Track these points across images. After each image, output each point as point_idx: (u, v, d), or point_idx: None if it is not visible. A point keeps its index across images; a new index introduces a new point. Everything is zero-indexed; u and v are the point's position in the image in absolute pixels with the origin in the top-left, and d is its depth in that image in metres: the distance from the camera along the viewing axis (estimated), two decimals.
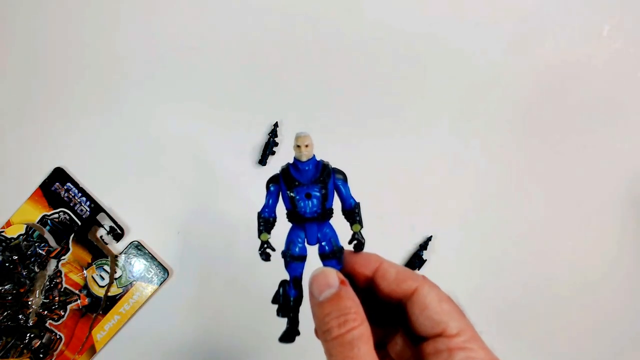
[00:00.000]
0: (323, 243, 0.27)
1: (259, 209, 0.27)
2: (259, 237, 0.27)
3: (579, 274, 0.50)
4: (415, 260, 0.48)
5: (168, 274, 0.47)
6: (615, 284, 0.50)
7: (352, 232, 0.27)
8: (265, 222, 0.27)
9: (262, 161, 0.48)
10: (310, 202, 0.26)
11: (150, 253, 0.47)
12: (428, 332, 0.24)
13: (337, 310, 0.23)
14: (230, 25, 0.49)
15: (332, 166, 0.28)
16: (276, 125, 0.48)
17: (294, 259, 0.27)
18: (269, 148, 0.48)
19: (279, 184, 0.27)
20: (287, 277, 0.27)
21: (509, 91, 0.50)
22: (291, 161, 0.27)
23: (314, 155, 0.27)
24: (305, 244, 0.27)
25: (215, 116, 0.48)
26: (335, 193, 0.28)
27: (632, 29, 0.51)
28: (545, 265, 0.50)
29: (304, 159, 0.26)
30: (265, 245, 0.27)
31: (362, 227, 0.28)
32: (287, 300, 0.27)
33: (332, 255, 0.27)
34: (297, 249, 0.27)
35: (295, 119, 0.49)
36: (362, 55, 0.49)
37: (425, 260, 0.48)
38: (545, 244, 0.50)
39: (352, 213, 0.28)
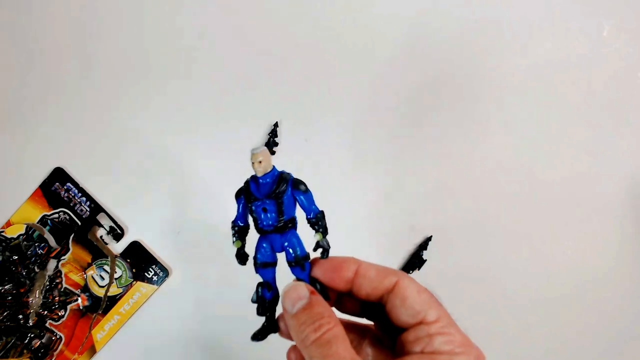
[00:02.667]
0: (289, 251, 0.28)
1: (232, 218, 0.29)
2: (233, 244, 0.29)
3: (579, 274, 0.50)
4: (415, 260, 0.48)
5: (168, 274, 0.47)
6: (615, 284, 0.50)
7: (316, 240, 0.29)
8: (239, 230, 0.30)
9: None
10: (266, 216, 0.28)
11: (150, 253, 0.47)
12: (409, 321, 0.25)
13: (311, 317, 0.25)
14: (230, 25, 0.49)
15: (293, 177, 0.29)
16: (276, 125, 0.48)
17: (259, 266, 0.29)
18: (269, 148, 0.48)
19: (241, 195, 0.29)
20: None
21: (509, 91, 0.50)
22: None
23: (274, 167, 0.28)
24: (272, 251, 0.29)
25: (215, 116, 0.48)
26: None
27: (632, 29, 0.51)
28: (545, 265, 0.50)
29: (260, 174, 0.28)
30: (241, 252, 0.29)
31: (324, 235, 0.29)
32: (263, 300, 0.29)
33: (296, 263, 0.28)
34: (260, 257, 0.29)
35: (295, 119, 0.49)
36: (363, 55, 0.49)
37: (426, 260, 0.48)
38: (545, 244, 0.50)
39: (313, 223, 0.29)
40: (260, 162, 0.28)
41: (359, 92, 0.50)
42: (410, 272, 0.48)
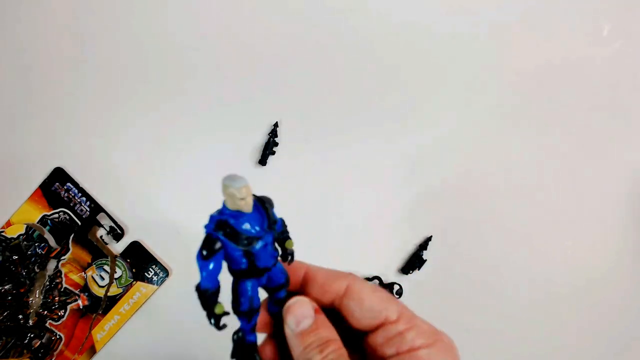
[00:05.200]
0: (280, 275, 0.25)
1: (196, 285, 0.22)
2: (212, 311, 0.22)
3: (579, 274, 0.50)
4: (415, 260, 0.48)
5: (168, 274, 0.47)
6: (615, 283, 0.50)
7: (284, 249, 0.25)
8: (213, 294, 0.22)
9: (262, 161, 0.48)
10: (266, 252, 0.23)
11: (150, 253, 0.47)
12: (371, 323, 0.25)
13: (318, 340, 0.24)
14: (229, 24, 0.49)
15: (263, 196, 0.24)
16: (276, 125, 0.48)
17: (249, 313, 0.24)
18: (269, 148, 0.48)
19: (222, 246, 0.22)
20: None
21: (509, 91, 0.50)
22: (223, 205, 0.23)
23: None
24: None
25: (215, 116, 0.48)
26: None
27: (632, 29, 0.51)
28: (545, 265, 0.50)
29: (250, 209, 0.22)
30: (223, 314, 0.22)
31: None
32: (251, 349, 0.25)
33: (287, 284, 0.25)
34: (248, 304, 0.24)
35: (296, 119, 0.49)
36: (365, 52, 0.49)
37: (425, 260, 0.48)
38: (545, 244, 0.50)
39: (284, 231, 0.25)
40: (249, 195, 0.22)
41: (359, 92, 0.50)
42: (410, 272, 0.48)
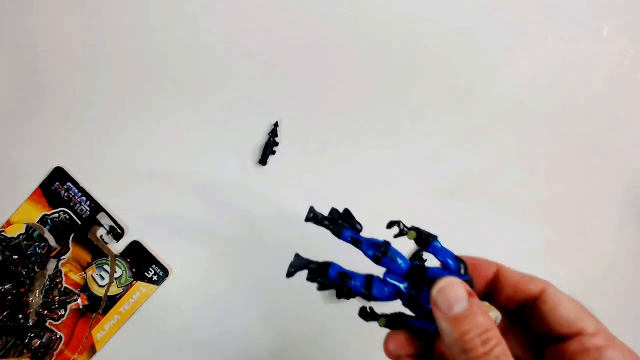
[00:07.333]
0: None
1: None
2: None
3: (578, 273, 0.50)
4: (415, 260, 0.48)
5: (168, 274, 0.47)
6: (614, 284, 0.50)
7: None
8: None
9: (262, 161, 0.48)
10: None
11: (150, 253, 0.47)
12: (564, 330, 0.24)
13: (476, 327, 0.22)
14: (230, 24, 0.49)
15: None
16: (276, 125, 0.48)
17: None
18: (269, 148, 0.48)
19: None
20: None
21: (509, 91, 0.50)
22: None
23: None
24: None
25: (214, 116, 0.48)
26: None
27: (632, 29, 0.51)
28: (545, 265, 0.50)
29: None
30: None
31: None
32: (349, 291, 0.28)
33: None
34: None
35: (296, 119, 0.49)
36: (368, 50, 0.49)
37: (426, 260, 0.48)
38: (546, 244, 0.50)
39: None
40: None
41: (360, 91, 0.50)
42: None
